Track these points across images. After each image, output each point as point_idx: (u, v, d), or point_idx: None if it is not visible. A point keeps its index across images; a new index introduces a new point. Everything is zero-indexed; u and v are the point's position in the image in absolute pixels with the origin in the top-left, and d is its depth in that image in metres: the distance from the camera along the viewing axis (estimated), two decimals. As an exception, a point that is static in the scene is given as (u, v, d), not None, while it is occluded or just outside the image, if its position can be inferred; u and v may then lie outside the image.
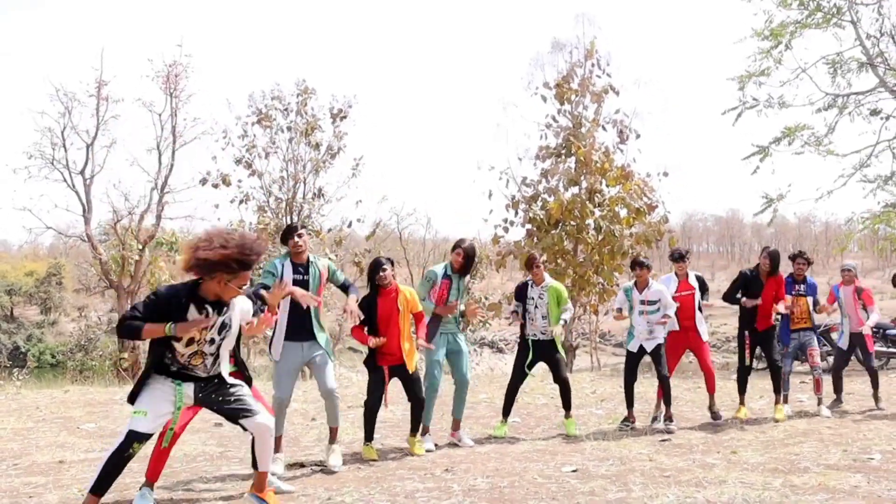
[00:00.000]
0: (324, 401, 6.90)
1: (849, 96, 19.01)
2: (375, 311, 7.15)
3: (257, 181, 25.57)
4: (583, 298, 20.34)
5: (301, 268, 6.75)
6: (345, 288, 7.03)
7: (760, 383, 11.49)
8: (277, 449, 6.47)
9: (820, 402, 9.29)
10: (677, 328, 8.78)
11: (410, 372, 7.24)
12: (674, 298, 8.69)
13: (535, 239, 20.31)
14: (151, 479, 5.59)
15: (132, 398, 5.02)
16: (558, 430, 8.54)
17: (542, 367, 9.27)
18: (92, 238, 23.56)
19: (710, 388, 8.98)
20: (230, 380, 5.20)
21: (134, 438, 4.84)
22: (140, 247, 23.18)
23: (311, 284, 6.72)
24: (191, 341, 4.94)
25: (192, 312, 4.89)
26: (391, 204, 46.36)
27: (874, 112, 18.92)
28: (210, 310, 4.93)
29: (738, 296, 9.14)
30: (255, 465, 5.32)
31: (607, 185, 20.38)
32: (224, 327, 5.05)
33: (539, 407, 10.36)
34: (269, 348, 6.83)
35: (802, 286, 9.43)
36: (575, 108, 21.13)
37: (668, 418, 8.52)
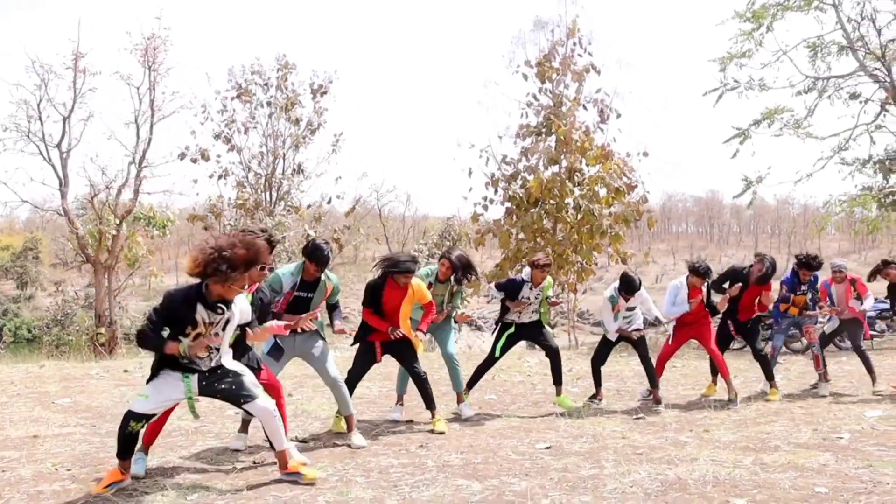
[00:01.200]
0: (331, 391, 6.91)
1: (829, 79, 19.13)
2: (381, 297, 7.18)
3: (236, 156, 25.50)
4: (561, 277, 20.37)
5: (310, 285, 6.65)
6: (332, 308, 6.95)
7: (734, 363, 11.60)
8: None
9: (821, 378, 9.33)
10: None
11: (419, 350, 7.35)
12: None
13: (515, 217, 20.32)
14: (147, 443, 5.88)
15: (144, 342, 5.23)
16: (534, 407, 8.60)
17: (517, 346, 9.32)
18: (69, 212, 23.33)
19: (724, 374, 8.85)
20: (231, 366, 5.36)
21: (131, 418, 5.13)
22: (117, 221, 22.99)
23: (314, 300, 6.68)
24: (197, 336, 5.11)
25: (200, 311, 5.08)
26: (371, 181, 46.31)
27: (853, 96, 19.07)
28: (215, 310, 5.13)
29: (725, 286, 9.16)
30: (271, 446, 5.52)
31: (587, 165, 20.35)
32: (227, 324, 5.23)
33: (515, 384, 10.42)
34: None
35: (805, 286, 9.39)
36: (556, 87, 21.07)
37: (657, 401, 8.57)
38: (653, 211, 21.04)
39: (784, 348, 15.66)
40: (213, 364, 5.27)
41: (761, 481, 5.24)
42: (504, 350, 8.45)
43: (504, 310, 8.45)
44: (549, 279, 8.46)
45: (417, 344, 7.35)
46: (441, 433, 7.12)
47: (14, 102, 22.80)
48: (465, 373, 10.75)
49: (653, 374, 8.66)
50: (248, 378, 5.38)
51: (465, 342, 26.91)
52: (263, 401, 5.31)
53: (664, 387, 9.83)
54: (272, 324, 5.89)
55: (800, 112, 19.56)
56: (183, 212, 27.71)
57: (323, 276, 6.67)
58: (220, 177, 25.33)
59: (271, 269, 6.10)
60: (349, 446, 6.59)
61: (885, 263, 9.56)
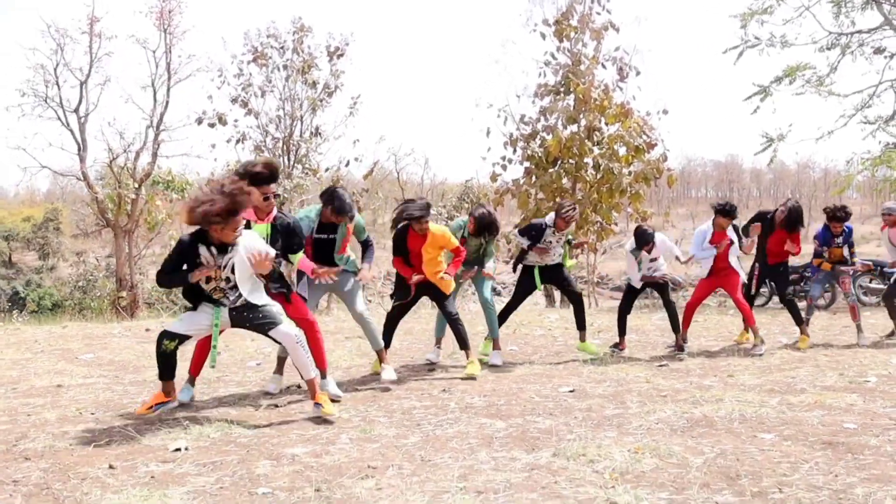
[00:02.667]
0: (360, 326, 7.05)
1: (852, 35, 18.77)
2: (406, 245, 7.34)
3: (254, 120, 25.35)
4: (580, 237, 20.28)
5: (329, 227, 6.69)
6: (365, 246, 7.02)
7: (767, 322, 11.51)
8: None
9: (859, 329, 9.23)
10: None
11: (446, 293, 7.41)
12: (711, 242, 8.65)
13: (534, 177, 20.21)
14: (194, 373, 6.27)
15: (168, 282, 5.57)
16: (556, 357, 8.56)
17: (537, 303, 9.31)
18: (87, 176, 23.37)
19: (750, 322, 8.77)
20: (258, 302, 5.53)
21: (164, 336, 5.42)
22: (136, 185, 23.02)
23: (336, 243, 6.72)
24: (208, 279, 5.41)
25: (203, 251, 5.36)
26: (389, 144, 45.98)
27: (878, 51, 18.71)
28: (216, 251, 5.37)
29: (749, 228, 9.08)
30: (301, 376, 5.66)
31: (606, 123, 20.19)
32: (233, 266, 5.41)
33: (536, 337, 10.38)
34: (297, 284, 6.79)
35: (839, 238, 9.25)
36: (574, 46, 20.85)
37: (679, 347, 8.56)
38: (673, 169, 20.83)
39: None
40: (237, 304, 5.49)
41: (788, 419, 5.18)
42: (542, 282, 8.45)
43: (523, 253, 8.42)
44: (571, 230, 8.41)
45: (445, 285, 7.36)
46: (471, 378, 7.10)
47: (31, 67, 22.80)
48: (484, 330, 10.78)
49: (676, 320, 8.65)
50: (275, 308, 5.59)
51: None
52: (287, 326, 5.51)
53: (689, 337, 9.75)
54: (303, 260, 6.13)
55: (822, 69, 19.27)
56: (201, 177, 27.72)
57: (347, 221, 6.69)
58: (237, 141, 25.21)
59: (276, 196, 6.08)
60: (379, 380, 6.88)
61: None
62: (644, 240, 8.38)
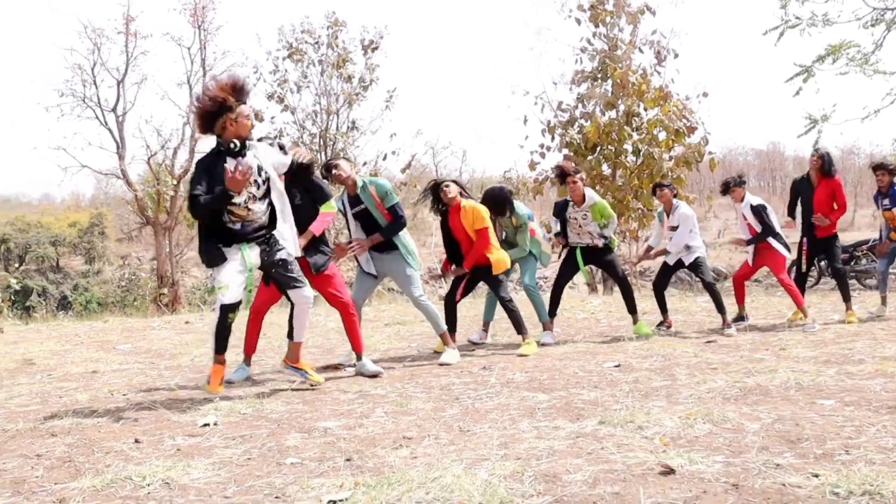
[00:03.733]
0: (419, 310, 6.98)
1: (898, 9, 18.21)
2: (450, 230, 7.32)
3: (290, 116, 25.33)
4: (622, 225, 19.94)
5: (355, 198, 6.69)
6: (392, 214, 6.73)
7: (809, 298, 11.13)
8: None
9: None
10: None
11: (496, 273, 7.29)
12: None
13: (573, 164, 19.88)
14: (249, 353, 6.32)
15: (208, 261, 5.27)
16: (599, 336, 8.29)
17: (577, 290, 9.10)
18: (126, 174, 23.52)
19: (797, 302, 8.54)
20: (289, 247, 5.46)
21: (227, 310, 5.14)
22: (175, 182, 23.10)
23: (371, 211, 6.67)
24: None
25: (230, 162, 5.10)
26: (426, 137, 45.85)
27: (926, 25, 18.12)
28: (241, 155, 5.16)
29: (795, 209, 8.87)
30: (290, 334, 5.75)
31: (645, 108, 19.77)
32: (260, 171, 5.22)
33: (579, 320, 10.12)
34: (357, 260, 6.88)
35: (887, 199, 8.90)
36: (610, 30, 20.46)
37: (727, 325, 8.19)
38: (714, 152, 20.39)
39: (858, 284, 15.11)
40: (266, 220, 5.33)
41: (849, 386, 4.87)
42: (585, 263, 8.22)
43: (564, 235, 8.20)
44: (600, 201, 8.06)
45: (497, 264, 7.24)
46: (523, 356, 6.93)
47: (69, 68, 23.03)
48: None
49: (719, 299, 8.29)
50: (299, 267, 5.51)
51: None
52: (308, 290, 5.53)
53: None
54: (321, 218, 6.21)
55: (867, 46, 18.68)
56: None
57: (360, 183, 6.65)
58: (274, 137, 25.22)
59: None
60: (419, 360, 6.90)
61: None
62: (656, 185, 8.51)
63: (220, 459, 3.66)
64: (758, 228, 8.43)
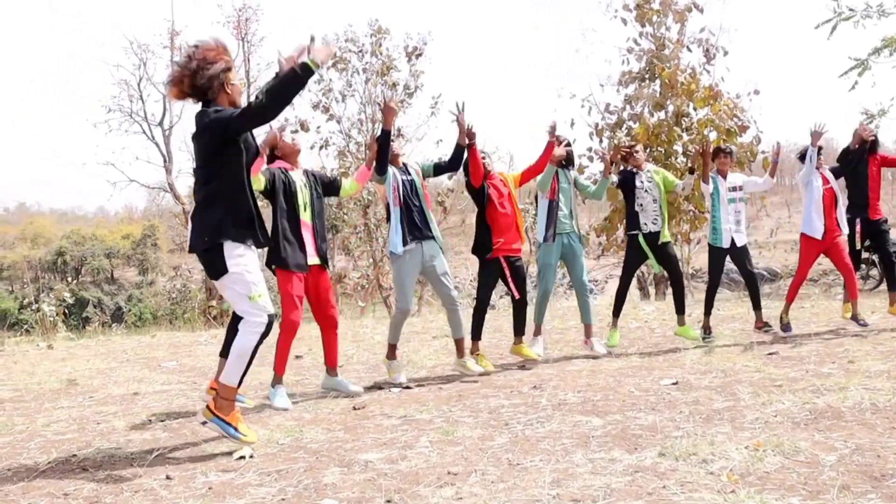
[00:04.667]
0: (446, 312, 6.89)
1: (958, -3, 17.53)
2: (488, 200, 7.15)
3: (336, 125, 25.28)
4: (674, 228, 19.49)
5: (401, 170, 6.73)
6: (450, 159, 7.06)
7: (869, 301, 10.67)
8: (392, 356, 6.78)
9: None
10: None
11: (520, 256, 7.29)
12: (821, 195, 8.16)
13: (622, 166, 19.49)
14: (281, 373, 5.98)
15: (217, 273, 4.42)
16: (654, 348, 7.96)
17: (631, 297, 8.84)
18: (174, 187, 23.65)
19: (851, 294, 8.27)
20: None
21: (272, 321, 4.45)
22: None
23: (416, 183, 6.72)
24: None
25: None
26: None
27: None
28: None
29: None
30: (224, 352, 5.14)
31: (695, 108, 19.31)
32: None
33: (632, 330, 9.78)
34: (389, 244, 6.67)
35: None
36: (657, 30, 20.04)
37: (765, 325, 8.13)
38: (767, 151, 19.82)
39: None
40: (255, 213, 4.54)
41: (930, 406, 4.51)
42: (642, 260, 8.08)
43: (631, 219, 7.97)
44: (660, 170, 8.14)
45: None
46: (528, 357, 7.12)
47: (116, 84, 23.24)
48: (576, 325, 10.26)
49: (757, 293, 8.17)
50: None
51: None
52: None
53: (796, 325, 9.04)
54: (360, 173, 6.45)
55: (926, 36, 18.01)
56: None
57: (406, 162, 6.83)
58: (321, 147, 25.14)
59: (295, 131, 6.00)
60: (463, 377, 6.69)
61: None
62: (718, 150, 8.23)
63: (252, 500, 3.44)
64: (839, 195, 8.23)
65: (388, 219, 6.66)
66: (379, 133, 6.49)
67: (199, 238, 4.40)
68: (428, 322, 12.37)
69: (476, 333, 7.19)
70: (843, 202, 8.30)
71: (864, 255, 9.03)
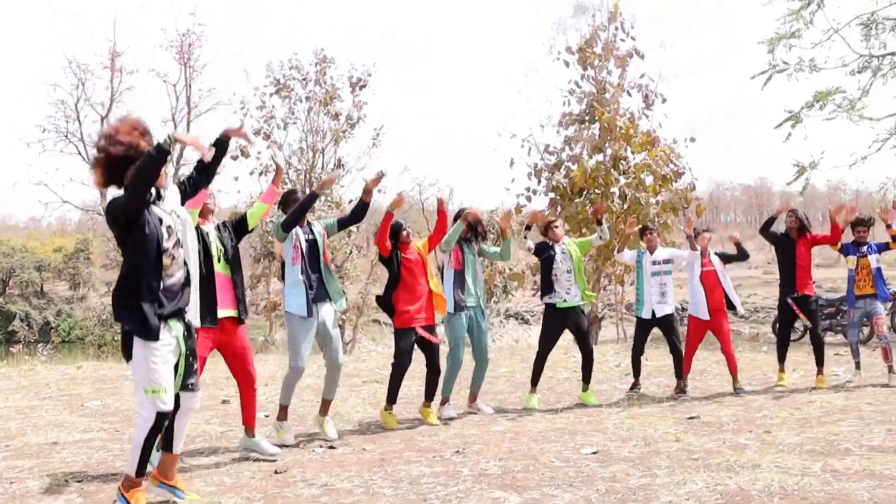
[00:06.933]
0: (328, 371, 6.80)
1: (884, 57, 18.17)
2: (401, 272, 7.20)
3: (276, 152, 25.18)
4: (608, 268, 19.78)
5: (306, 229, 6.68)
6: (352, 213, 7.10)
7: (793, 355, 10.95)
8: (284, 416, 6.64)
9: (891, 370, 8.81)
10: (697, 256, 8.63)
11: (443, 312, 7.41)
12: (700, 277, 8.60)
13: (559, 208, 19.71)
14: (251, 423, 6.09)
15: (144, 333, 4.37)
16: (579, 405, 8.09)
17: (565, 339, 9.01)
18: (108, 212, 23.26)
19: (733, 371, 8.74)
20: (195, 345, 4.77)
21: (164, 418, 4.44)
22: (158, 220, 22.88)
23: (318, 243, 6.69)
24: (170, 231, 4.52)
25: (155, 210, 4.48)
26: (413, 174, 45.74)
27: (911, 73, 18.11)
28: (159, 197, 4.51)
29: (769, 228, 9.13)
30: (168, 446, 4.82)
31: (632, 152, 19.66)
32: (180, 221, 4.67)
33: (561, 381, 9.91)
34: (290, 305, 6.57)
35: (865, 247, 9.01)
36: (598, 73, 20.39)
37: (681, 390, 8.51)
38: (701, 198, 20.29)
39: (845, 339, 14.92)
40: (183, 280, 4.59)
41: (835, 492, 4.66)
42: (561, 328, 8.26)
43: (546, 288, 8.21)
44: (574, 241, 8.52)
45: (441, 304, 7.44)
46: (433, 424, 7.21)
47: (52, 103, 22.84)
48: (507, 371, 10.34)
49: (680, 365, 8.60)
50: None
51: (512, 336, 26.40)
52: (199, 396, 4.87)
53: (720, 382, 9.31)
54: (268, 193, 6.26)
55: (853, 93, 18.66)
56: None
57: (310, 222, 6.76)
58: (260, 173, 25.01)
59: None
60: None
61: None
62: (644, 228, 8.92)
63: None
64: (725, 280, 8.63)
65: (283, 276, 6.69)
66: (314, 188, 6.57)
67: (118, 316, 4.46)
68: (359, 362, 12.35)
69: (392, 398, 7.26)
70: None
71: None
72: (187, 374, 4.68)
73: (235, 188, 48.34)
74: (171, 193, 4.72)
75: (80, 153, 23.00)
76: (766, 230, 9.12)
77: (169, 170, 4.58)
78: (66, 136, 22.82)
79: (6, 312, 53.69)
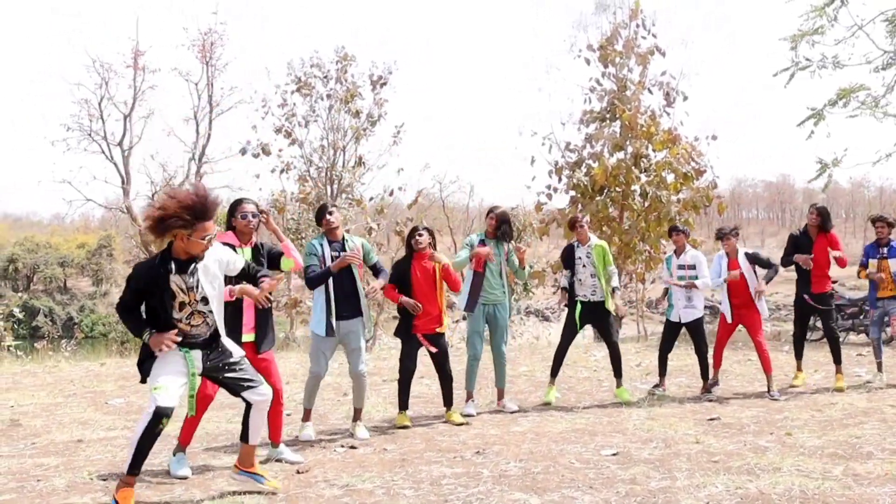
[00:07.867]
0: (352, 381, 6.94)
1: (909, 53, 18.02)
2: (410, 274, 7.21)
3: (297, 150, 25.26)
4: (629, 266, 19.74)
5: (337, 245, 6.73)
6: (376, 270, 6.98)
7: (815, 356, 10.92)
8: (307, 419, 6.82)
9: None
10: (705, 292, 8.72)
11: (442, 332, 7.34)
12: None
13: (580, 206, 19.70)
14: (184, 443, 5.77)
15: (143, 371, 4.90)
16: (599, 405, 8.09)
17: (585, 337, 9.04)
18: (131, 209, 23.46)
19: (766, 369, 8.55)
20: (233, 349, 5.08)
21: (162, 415, 4.68)
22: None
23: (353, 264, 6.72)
24: (182, 305, 4.80)
25: (174, 278, 4.76)
26: (433, 172, 45.84)
27: (937, 69, 17.93)
28: (188, 272, 4.80)
29: (792, 258, 8.87)
30: (245, 437, 5.19)
31: (653, 150, 19.62)
32: (208, 282, 4.87)
33: (581, 381, 9.90)
34: (313, 322, 6.74)
35: (885, 249, 8.91)
36: (619, 71, 20.35)
37: (707, 390, 8.53)
38: (722, 196, 20.21)
39: (867, 338, 14.82)
40: (209, 333, 4.94)
41: (856, 496, 4.66)
42: (582, 324, 8.34)
43: (571, 288, 8.31)
44: (607, 246, 8.40)
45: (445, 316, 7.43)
46: (459, 424, 7.21)
47: (76, 102, 23.03)
48: (527, 370, 10.35)
49: (705, 368, 8.60)
50: (249, 364, 5.15)
51: (532, 333, 26.38)
52: (265, 388, 5.11)
53: (741, 382, 9.29)
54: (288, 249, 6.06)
55: (877, 90, 18.50)
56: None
57: (346, 237, 6.79)
58: (281, 171, 25.09)
59: (255, 216, 5.91)
60: (352, 443, 6.57)
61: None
62: (672, 228, 8.70)
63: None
64: (752, 280, 8.43)
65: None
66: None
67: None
68: (380, 360, 12.39)
69: (403, 403, 7.29)
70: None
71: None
72: (237, 381, 5.00)
73: (257, 186, 48.54)
74: (213, 253, 4.94)
75: (103, 151, 23.23)
76: (785, 263, 9.06)
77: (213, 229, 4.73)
78: (90, 135, 23.04)
79: (31, 308, 54.17)
